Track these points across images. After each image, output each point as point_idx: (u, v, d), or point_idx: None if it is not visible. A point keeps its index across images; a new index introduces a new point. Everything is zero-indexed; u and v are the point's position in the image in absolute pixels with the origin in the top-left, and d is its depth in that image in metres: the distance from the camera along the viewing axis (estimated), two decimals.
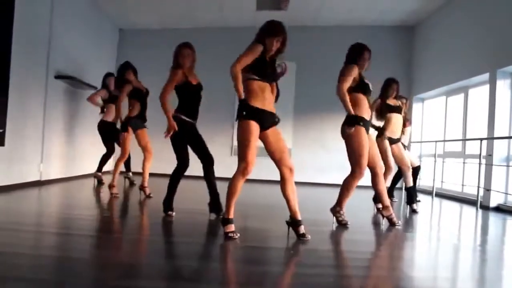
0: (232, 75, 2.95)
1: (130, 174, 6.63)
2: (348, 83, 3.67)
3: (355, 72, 3.70)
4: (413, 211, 4.99)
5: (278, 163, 3.12)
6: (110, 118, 6.11)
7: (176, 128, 3.81)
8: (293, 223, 3.15)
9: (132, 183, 6.53)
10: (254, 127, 3.00)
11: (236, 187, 3.04)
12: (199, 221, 3.85)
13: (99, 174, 6.40)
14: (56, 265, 2.36)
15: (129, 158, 6.18)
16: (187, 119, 3.90)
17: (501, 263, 2.98)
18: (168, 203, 3.97)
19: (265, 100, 3.06)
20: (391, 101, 4.96)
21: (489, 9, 6.07)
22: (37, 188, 5.60)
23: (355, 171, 3.70)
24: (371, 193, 4.86)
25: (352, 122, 3.65)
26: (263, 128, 3.07)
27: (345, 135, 3.73)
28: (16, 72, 5.05)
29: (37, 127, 5.82)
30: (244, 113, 2.99)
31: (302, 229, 3.12)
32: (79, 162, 7.30)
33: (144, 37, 8.93)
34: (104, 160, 6.35)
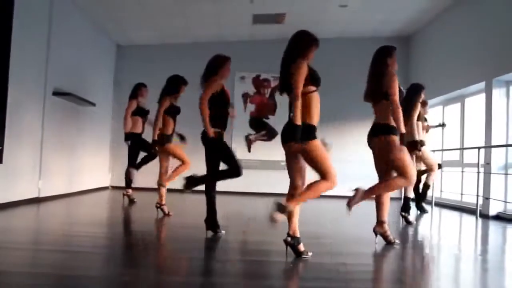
0: (294, 100, 3.06)
1: (130, 191, 6.16)
2: None
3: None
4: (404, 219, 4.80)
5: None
6: (138, 129, 5.96)
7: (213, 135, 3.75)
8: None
9: (132, 201, 6.13)
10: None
11: (318, 194, 2.95)
12: (198, 236, 3.82)
13: (130, 191, 6.12)
14: (56, 283, 2.34)
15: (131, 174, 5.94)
16: (217, 130, 3.83)
17: (503, 272, 2.97)
18: (213, 222, 3.80)
19: (318, 113, 3.18)
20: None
21: (485, 18, 6.14)
22: (35, 205, 5.57)
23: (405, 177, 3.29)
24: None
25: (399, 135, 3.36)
26: None
27: (376, 144, 3.46)
28: (14, 89, 5.06)
29: (35, 143, 5.82)
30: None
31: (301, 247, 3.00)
32: (78, 178, 7.27)
33: (142, 53, 8.95)
34: (144, 161, 6.00)
